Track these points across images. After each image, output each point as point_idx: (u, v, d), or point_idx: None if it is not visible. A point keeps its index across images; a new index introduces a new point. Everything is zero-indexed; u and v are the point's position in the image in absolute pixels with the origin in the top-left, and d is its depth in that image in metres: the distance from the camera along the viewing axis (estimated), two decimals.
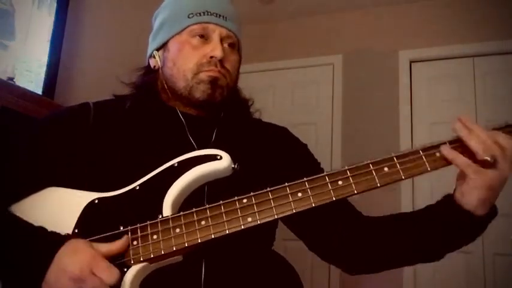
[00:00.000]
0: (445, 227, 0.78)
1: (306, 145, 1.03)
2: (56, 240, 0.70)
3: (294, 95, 3.52)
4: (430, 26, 3.17)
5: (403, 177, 0.73)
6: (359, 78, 3.32)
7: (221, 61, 0.90)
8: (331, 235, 0.91)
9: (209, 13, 0.92)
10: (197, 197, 0.78)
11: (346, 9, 3.41)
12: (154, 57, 0.97)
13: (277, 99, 3.54)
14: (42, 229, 0.74)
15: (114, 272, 0.67)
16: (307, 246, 0.97)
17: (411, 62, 3.22)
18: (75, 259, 0.67)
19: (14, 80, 1.82)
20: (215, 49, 0.89)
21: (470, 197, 0.73)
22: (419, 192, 3.00)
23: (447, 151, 0.73)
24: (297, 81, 3.52)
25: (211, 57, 0.89)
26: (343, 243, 0.90)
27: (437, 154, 0.73)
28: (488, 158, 0.69)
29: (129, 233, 0.72)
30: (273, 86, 3.56)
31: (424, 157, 0.73)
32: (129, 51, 1.99)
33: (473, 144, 0.71)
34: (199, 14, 0.92)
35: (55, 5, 2.10)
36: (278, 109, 3.41)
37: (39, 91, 1.98)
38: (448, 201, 0.77)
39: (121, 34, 2.51)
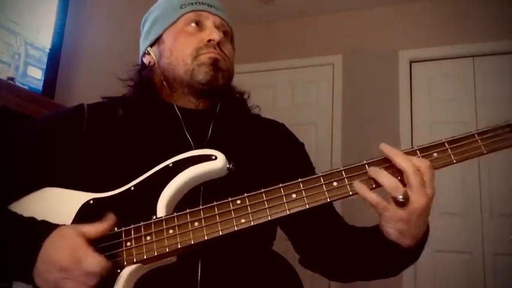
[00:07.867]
0: (378, 253, 0.77)
1: (303, 144, 1.03)
2: (41, 231, 0.70)
3: (294, 95, 3.52)
4: (430, 26, 3.17)
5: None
6: (359, 78, 3.31)
7: (219, 44, 0.91)
8: (313, 243, 0.91)
9: (201, 3, 0.95)
10: (193, 197, 0.77)
11: (346, 9, 3.40)
12: (148, 54, 0.97)
13: (277, 99, 3.54)
14: (30, 219, 0.74)
15: (99, 261, 0.66)
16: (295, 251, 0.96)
17: (411, 62, 3.22)
18: (61, 248, 0.67)
19: (14, 80, 1.82)
20: (212, 32, 0.91)
21: (388, 230, 0.70)
22: None
23: (357, 184, 0.69)
24: (297, 81, 3.52)
25: (209, 40, 0.90)
26: (323, 253, 0.90)
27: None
28: (399, 198, 0.66)
29: (123, 234, 0.72)
30: (273, 86, 3.56)
31: (417, 151, 0.71)
32: (129, 51, 1.99)
33: (385, 180, 0.68)
34: (192, 3, 0.95)
35: (56, 4, 2.11)
36: (278, 109, 3.41)
37: (39, 91, 1.99)
38: (377, 230, 0.74)
39: (121, 34, 2.51)
